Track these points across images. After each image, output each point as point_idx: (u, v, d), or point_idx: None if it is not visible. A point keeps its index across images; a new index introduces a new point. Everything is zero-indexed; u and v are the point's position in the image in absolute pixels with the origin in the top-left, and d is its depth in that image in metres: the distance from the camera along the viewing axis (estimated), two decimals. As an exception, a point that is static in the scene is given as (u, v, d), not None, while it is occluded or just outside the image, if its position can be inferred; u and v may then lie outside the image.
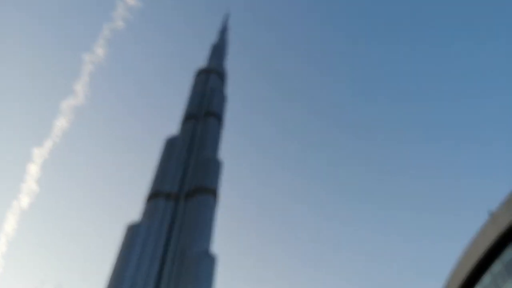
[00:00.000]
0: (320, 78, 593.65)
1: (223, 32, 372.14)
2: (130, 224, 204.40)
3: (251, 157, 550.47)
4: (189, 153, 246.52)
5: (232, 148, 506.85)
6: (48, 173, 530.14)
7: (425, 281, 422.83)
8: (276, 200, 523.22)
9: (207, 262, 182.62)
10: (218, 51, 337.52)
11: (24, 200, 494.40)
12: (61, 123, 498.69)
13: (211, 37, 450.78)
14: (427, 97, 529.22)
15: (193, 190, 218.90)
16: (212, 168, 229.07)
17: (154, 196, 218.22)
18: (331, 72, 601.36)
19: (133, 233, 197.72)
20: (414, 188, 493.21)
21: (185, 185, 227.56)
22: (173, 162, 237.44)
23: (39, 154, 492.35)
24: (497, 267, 36.38)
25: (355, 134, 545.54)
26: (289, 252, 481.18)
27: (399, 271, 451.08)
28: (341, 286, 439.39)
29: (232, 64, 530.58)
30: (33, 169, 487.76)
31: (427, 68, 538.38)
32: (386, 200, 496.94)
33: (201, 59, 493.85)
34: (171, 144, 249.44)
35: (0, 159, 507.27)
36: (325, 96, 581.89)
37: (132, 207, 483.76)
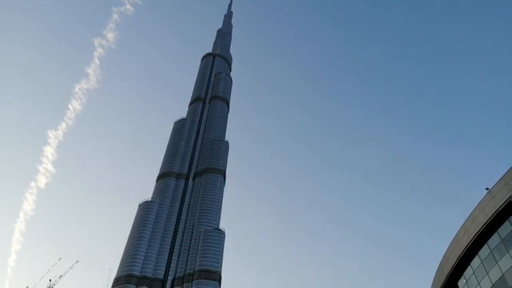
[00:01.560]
0: (325, 60, 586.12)
1: (227, 17, 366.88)
2: (143, 201, 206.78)
3: (257, 136, 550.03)
4: (197, 135, 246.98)
5: (239, 129, 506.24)
6: (63, 154, 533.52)
7: (424, 256, 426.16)
8: (281, 178, 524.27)
9: (216, 236, 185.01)
10: (223, 35, 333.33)
11: (41, 181, 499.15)
12: (74, 107, 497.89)
13: (217, 22, 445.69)
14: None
15: (202, 170, 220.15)
16: (220, 149, 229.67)
17: (165, 175, 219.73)
18: (335, 57, 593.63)
19: (146, 210, 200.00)
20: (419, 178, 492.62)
21: (194, 165, 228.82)
22: (182, 144, 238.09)
23: (54, 136, 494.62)
24: (494, 240, 36.53)
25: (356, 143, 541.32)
26: (294, 227, 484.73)
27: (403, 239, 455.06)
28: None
29: (238, 48, 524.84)
30: (49, 151, 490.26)
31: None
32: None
33: (207, 44, 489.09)
34: (179, 127, 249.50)
35: (17, 142, 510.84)
36: (331, 78, 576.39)
37: (144, 186, 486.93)
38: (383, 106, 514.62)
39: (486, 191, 38.04)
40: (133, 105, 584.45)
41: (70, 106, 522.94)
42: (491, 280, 35.68)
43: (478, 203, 38.53)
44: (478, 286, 37.38)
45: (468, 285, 39.17)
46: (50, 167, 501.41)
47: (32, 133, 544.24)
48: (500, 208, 35.22)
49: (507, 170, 36.16)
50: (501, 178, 36.56)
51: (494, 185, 37.12)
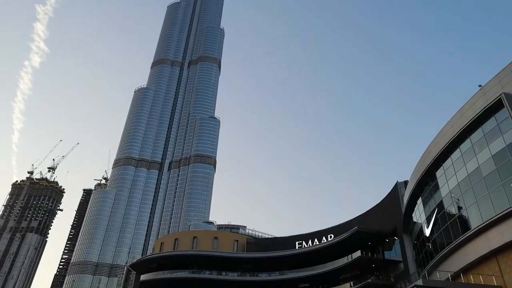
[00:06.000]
0: None
1: None
2: (138, 88, 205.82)
3: (254, 26, 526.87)
4: (192, 21, 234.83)
5: (234, 15, 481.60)
6: (56, 33, 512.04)
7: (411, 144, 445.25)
8: (276, 67, 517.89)
9: (211, 124, 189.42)
10: None
11: (35, 60, 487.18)
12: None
13: None
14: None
15: (197, 59, 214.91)
16: (215, 37, 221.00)
17: (160, 62, 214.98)
18: None
19: (141, 96, 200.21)
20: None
21: (188, 53, 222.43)
22: (176, 30, 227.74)
23: (43, 12, 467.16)
24: (477, 135, 37.65)
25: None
26: (286, 116, 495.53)
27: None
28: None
29: None
30: (40, 28, 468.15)
31: None
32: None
33: None
34: (173, 11, 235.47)
35: (5, 17, 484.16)
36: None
37: (138, 73, 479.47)
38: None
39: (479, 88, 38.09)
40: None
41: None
42: (467, 171, 37.69)
43: (469, 99, 38.78)
44: (454, 176, 39.58)
45: (445, 175, 41.53)
46: (42, 45, 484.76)
47: (19, 8, 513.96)
48: (489, 105, 35.61)
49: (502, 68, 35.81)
50: (496, 75, 36.29)
51: (488, 82, 37.00)
